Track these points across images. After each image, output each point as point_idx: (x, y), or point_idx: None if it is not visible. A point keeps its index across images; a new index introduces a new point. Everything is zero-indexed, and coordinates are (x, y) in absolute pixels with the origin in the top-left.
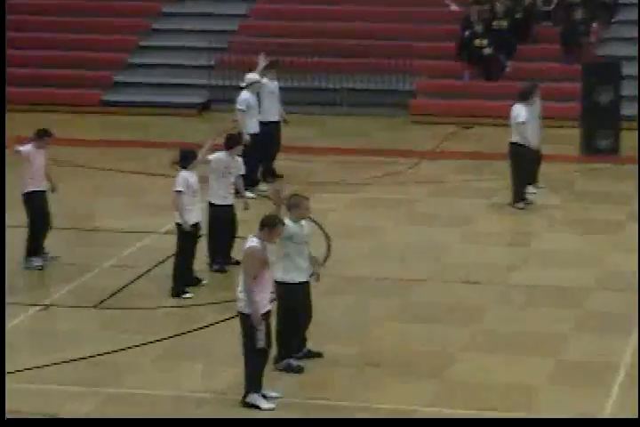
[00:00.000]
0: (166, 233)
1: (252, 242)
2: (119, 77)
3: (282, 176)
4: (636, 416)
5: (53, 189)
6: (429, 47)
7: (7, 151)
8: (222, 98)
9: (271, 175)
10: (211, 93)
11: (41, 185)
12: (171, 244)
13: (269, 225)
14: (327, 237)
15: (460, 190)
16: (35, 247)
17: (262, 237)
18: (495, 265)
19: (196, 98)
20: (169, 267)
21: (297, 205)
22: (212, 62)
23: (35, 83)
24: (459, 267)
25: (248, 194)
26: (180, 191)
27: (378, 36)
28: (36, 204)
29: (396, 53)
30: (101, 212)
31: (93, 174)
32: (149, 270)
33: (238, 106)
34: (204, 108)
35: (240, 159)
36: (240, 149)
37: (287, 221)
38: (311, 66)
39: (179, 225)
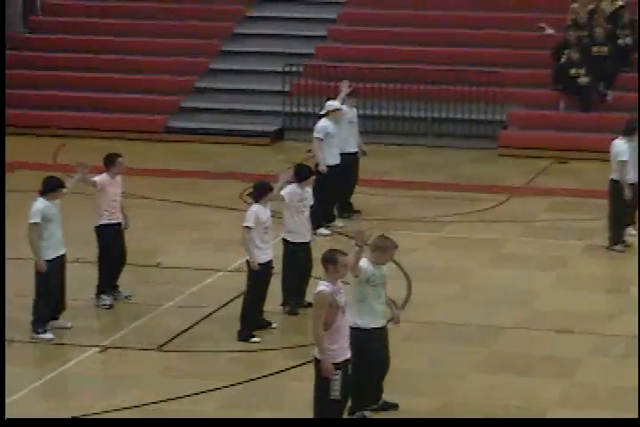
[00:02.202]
0: (235, 271)
1: (321, 286)
2: (186, 103)
3: (359, 212)
4: None
5: (126, 225)
6: (523, 74)
7: (71, 181)
8: (297, 126)
9: (348, 210)
10: (285, 121)
11: (116, 217)
12: (239, 283)
13: (331, 261)
14: (407, 279)
15: (552, 230)
16: (107, 284)
17: (329, 279)
18: (590, 313)
19: (269, 125)
20: (236, 308)
21: (383, 250)
22: (288, 87)
23: (90, 106)
24: (550, 314)
25: (322, 231)
26: (249, 227)
27: (465, 62)
28: (111, 237)
29: (485, 81)
30: (166, 247)
31: (158, 206)
32: (215, 311)
33: (316, 134)
34: (278, 136)
35: (310, 190)
36: (312, 180)
37: (366, 262)
38: (393, 93)
39: (248, 263)
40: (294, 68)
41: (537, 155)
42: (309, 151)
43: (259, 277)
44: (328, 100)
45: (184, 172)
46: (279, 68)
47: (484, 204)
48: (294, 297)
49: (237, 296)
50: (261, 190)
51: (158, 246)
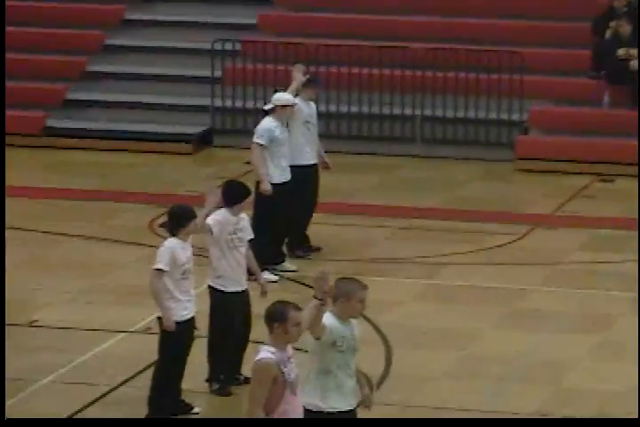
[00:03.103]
0: (141, 333)
1: (264, 353)
2: (73, 94)
3: (319, 249)
4: None
5: None
6: (549, 55)
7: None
8: (231, 127)
9: (304, 247)
10: (214, 120)
11: None
12: (147, 350)
13: (278, 319)
14: (386, 345)
15: (589, 276)
16: None
17: (275, 343)
18: None
19: (191, 127)
20: (144, 386)
21: (347, 295)
22: (219, 73)
23: None
24: (588, 396)
25: (267, 275)
26: (161, 270)
27: (469, 38)
28: None
29: (497, 65)
30: (44, 298)
31: (32, 240)
32: (112, 390)
33: (256, 139)
34: (203, 141)
35: (247, 218)
36: (249, 204)
37: (330, 318)
38: (368, 81)
39: (160, 321)
40: (228, 46)
41: (569, 170)
42: (248, 163)
43: (175, 341)
44: (276, 91)
45: (69, 191)
46: (207, 46)
47: (494, 239)
48: (225, 370)
49: (145, 369)
50: (179, 219)
51: (33, 297)
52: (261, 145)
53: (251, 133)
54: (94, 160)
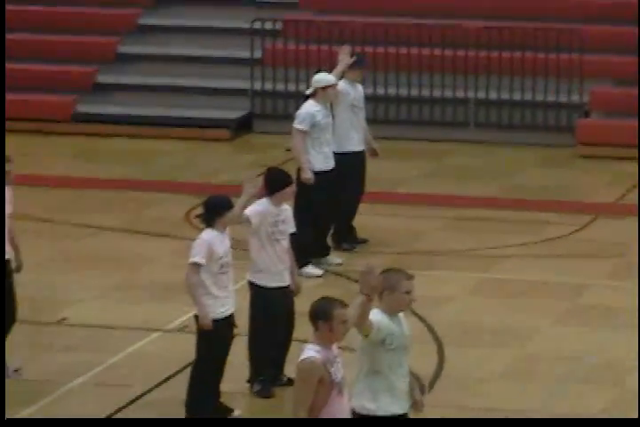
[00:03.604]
0: (177, 331)
1: (308, 352)
2: (103, 77)
3: (366, 241)
4: None
5: (17, 264)
6: (612, 33)
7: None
8: (272, 112)
9: (350, 239)
10: (253, 104)
11: None
12: (184, 349)
13: (323, 316)
14: (438, 343)
15: None
16: None
17: (320, 342)
18: None
19: (229, 111)
20: (180, 387)
21: (392, 287)
22: (259, 54)
23: None
24: None
25: (311, 270)
26: (198, 264)
27: (525, 15)
28: None
29: (555, 43)
30: (73, 295)
31: (60, 233)
32: (147, 392)
33: (297, 124)
34: (242, 127)
35: (289, 209)
36: (291, 193)
37: (378, 314)
38: (418, 62)
39: (197, 318)
40: (268, 25)
41: (635, 155)
42: (289, 150)
43: (213, 339)
44: (318, 72)
45: (100, 180)
46: (246, 25)
47: (554, 230)
48: (267, 370)
49: (181, 369)
50: (215, 209)
51: (61, 295)
52: (302, 131)
53: (292, 118)
54: (126, 148)
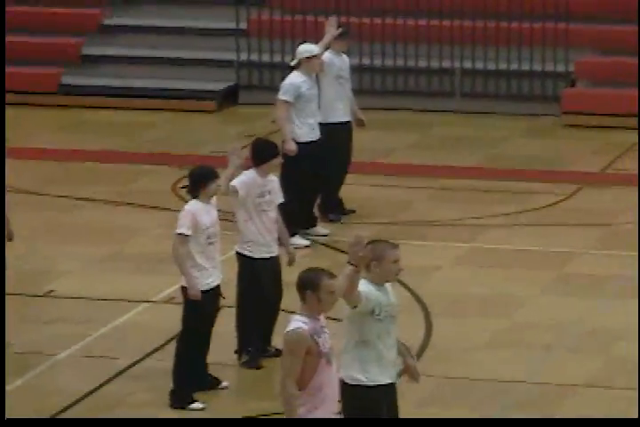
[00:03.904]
0: (163, 302)
1: (296, 323)
2: (89, 49)
3: (353, 211)
4: None
5: (8, 235)
6: (597, 1)
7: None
8: (258, 83)
9: (337, 210)
10: (239, 75)
11: None
12: (171, 320)
13: (311, 287)
14: (425, 313)
15: None
16: None
17: (308, 312)
18: None
19: (215, 83)
20: (167, 358)
21: (379, 258)
22: (244, 24)
23: None
24: None
25: (298, 241)
26: (184, 235)
27: None
28: None
29: (541, 11)
30: (60, 266)
31: (48, 205)
32: (135, 364)
33: (282, 95)
34: (228, 98)
35: (276, 180)
36: (277, 164)
37: (366, 284)
38: (403, 32)
39: (184, 290)
40: None
41: (619, 124)
42: (274, 121)
43: (200, 311)
44: (303, 43)
45: (87, 152)
46: None
47: (540, 199)
48: (255, 341)
49: (169, 340)
50: (200, 180)
51: (48, 266)
52: (287, 102)
53: (278, 90)
54: (112, 120)
